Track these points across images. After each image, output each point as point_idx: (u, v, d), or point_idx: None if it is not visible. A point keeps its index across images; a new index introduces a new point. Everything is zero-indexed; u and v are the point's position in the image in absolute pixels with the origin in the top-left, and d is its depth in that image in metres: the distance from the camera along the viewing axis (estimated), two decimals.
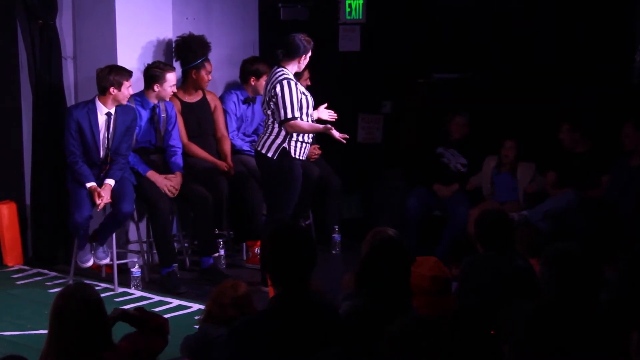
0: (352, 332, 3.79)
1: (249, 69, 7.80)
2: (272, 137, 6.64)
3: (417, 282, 4.86)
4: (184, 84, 7.64)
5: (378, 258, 4.16)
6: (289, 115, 6.53)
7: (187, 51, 7.54)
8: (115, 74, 6.81)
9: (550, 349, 3.36)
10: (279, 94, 6.52)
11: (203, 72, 7.54)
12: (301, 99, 6.58)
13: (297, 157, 6.68)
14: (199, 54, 7.53)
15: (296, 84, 6.59)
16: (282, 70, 6.61)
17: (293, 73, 6.67)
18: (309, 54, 6.68)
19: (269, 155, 6.65)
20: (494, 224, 5.11)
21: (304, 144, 6.70)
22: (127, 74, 6.88)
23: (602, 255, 3.98)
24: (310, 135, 6.75)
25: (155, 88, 7.15)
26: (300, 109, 6.58)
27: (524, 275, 4.89)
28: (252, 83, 7.79)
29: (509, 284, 4.81)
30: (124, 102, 6.93)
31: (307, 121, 6.65)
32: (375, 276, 4.10)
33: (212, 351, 4.31)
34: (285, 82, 6.53)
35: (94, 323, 3.67)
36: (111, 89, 6.81)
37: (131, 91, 6.95)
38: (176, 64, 7.59)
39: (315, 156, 8.04)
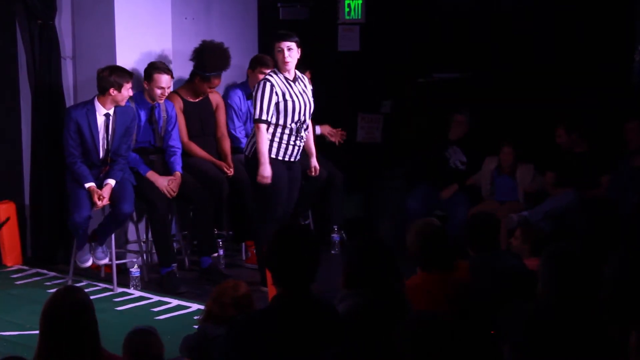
0: (350, 333, 3.79)
1: (250, 63, 7.81)
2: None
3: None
4: (188, 83, 7.63)
5: (360, 259, 4.22)
6: (257, 116, 6.53)
7: (206, 59, 7.48)
8: (117, 75, 6.80)
9: (550, 349, 3.35)
10: (255, 95, 6.57)
11: (207, 85, 7.53)
12: (278, 102, 6.53)
13: (275, 157, 6.63)
14: (215, 68, 7.49)
15: (272, 86, 6.52)
16: (270, 72, 6.65)
17: (281, 72, 6.61)
18: (280, 44, 6.54)
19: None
20: (482, 226, 5.15)
21: (282, 144, 6.63)
22: (127, 75, 6.87)
23: (602, 255, 3.96)
24: (296, 139, 6.69)
25: (145, 85, 7.15)
26: (278, 112, 6.54)
27: (519, 274, 4.89)
28: (249, 75, 7.79)
29: (506, 284, 4.80)
30: (123, 104, 6.92)
31: (290, 125, 6.59)
32: (361, 277, 4.15)
33: (212, 351, 4.30)
34: (261, 83, 6.56)
35: (83, 327, 3.65)
36: (111, 90, 6.80)
37: (131, 93, 6.94)
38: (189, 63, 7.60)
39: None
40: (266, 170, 6.53)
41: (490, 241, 5.11)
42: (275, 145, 6.61)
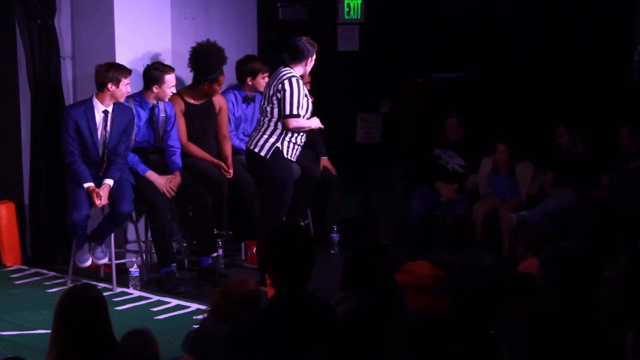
0: (350, 334, 3.79)
1: (244, 70, 7.79)
2: (265, 136, 6.65)
3: (418, 282, 4.87)
4: (192, 88, 7.60)
5: (359, 261, 4.32)
6: (294, 112, 6.55)
7: (205, 62, 7.46)
8: (114, 70, 6.83)
9: (550, 349, 3.35)
10: (287, 90, 6.53)
11: (216, 85, 7.54)
12: (304, 101, 6.61)
13: (288, 157, 6.68)
14: (217, 67, 7.48)
15: (303, 85, 6.64)
16: (290, 70, 6.63)
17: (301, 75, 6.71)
18: (314, 56, 6.71)
19: (262, 154, 6.65)
20: (457, 227, 5.24)
21: (295, 146, 6.70)
22: (126, 71, 6.89)
23: (602, 255, 3.96)
24: (303, 138, 6.74)
25: (154, 89, 7.14)
26: (302, 109, 6.61)
27: (494, 272, 4.89)
28: (250, 83, 7.78)
29: (485, 283, 4.82)
30: (121, 100, 6.93)
31: None
32: (359, 279, 4.18)
33: (211, 347, 4.29)
34: (294, 80, 6.57)
35: (98, 323, 3.65)
36: (109, 85, 6.81)
37: (129, 89, 6.94)
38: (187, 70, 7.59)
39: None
40: (314, 121, 6.67)
41: (466, 241, 5.20)
42: (291, 146, 6.67)
